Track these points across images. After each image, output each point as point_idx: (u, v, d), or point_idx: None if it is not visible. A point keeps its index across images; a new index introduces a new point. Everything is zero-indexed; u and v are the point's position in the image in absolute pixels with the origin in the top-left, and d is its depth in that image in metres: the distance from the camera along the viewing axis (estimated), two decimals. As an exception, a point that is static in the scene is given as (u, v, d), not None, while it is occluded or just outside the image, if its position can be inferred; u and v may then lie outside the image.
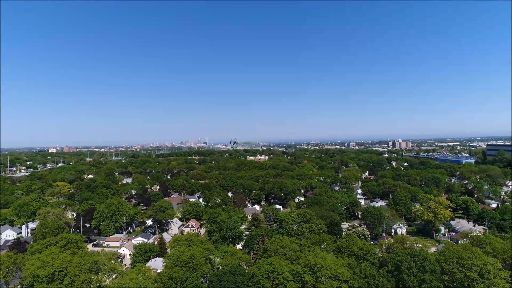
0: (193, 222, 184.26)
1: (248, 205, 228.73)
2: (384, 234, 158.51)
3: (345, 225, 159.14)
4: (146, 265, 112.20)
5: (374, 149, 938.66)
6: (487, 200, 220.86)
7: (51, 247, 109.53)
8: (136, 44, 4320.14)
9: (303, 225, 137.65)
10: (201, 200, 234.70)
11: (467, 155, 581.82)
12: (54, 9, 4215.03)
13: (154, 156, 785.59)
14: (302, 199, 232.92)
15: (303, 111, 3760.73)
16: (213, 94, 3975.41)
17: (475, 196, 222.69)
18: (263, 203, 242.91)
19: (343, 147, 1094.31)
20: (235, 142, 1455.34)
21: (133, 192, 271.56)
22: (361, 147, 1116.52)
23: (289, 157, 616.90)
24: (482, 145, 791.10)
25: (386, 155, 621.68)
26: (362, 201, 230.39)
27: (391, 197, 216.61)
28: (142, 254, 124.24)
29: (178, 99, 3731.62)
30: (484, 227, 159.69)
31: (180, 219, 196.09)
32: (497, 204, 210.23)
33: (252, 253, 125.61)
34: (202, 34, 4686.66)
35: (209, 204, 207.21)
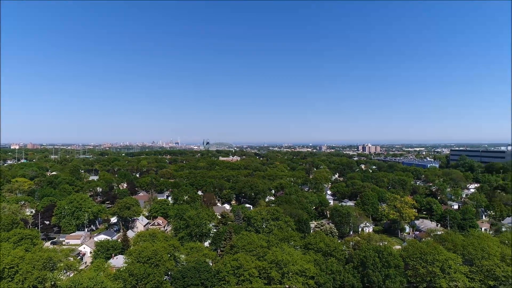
0: (160, 220, 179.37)
1: (218, 204, 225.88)
2: (351, 233, 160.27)
3: (313, 224, 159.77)
4: (108, 262, 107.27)
5: (344, 152, 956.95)
6: (450, 202, 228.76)
7: (2, 243, 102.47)
8: (108, 40, 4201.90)
9: (272, 222, 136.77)
10: (169, 198, 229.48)
11: (432, 159, 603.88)
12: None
13: (123, 154, 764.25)
14: (273, 198, 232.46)
15: (277, 115, 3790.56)
16: (185, 95, 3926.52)
17: (438, 197, 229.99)
18: (233, 202, 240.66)
19: (314, 150, 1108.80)
20: (207, 143, 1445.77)
21: (99, 189, 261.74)
22: (332, 150, 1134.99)
23: (261, 159, 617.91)
24: (446, 151, 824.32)
25: (356, 158, 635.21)
26: (331, 201, 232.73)
27: (359, 197, 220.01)
28: (104, 251, 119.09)
29: (150, 99, 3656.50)
30: (446, 227, 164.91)
31: (147, 217, 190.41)
32: (459, 206, 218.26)
33: (219, 250, 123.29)
34: (176, 32, 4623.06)
35: (178, 202, 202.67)
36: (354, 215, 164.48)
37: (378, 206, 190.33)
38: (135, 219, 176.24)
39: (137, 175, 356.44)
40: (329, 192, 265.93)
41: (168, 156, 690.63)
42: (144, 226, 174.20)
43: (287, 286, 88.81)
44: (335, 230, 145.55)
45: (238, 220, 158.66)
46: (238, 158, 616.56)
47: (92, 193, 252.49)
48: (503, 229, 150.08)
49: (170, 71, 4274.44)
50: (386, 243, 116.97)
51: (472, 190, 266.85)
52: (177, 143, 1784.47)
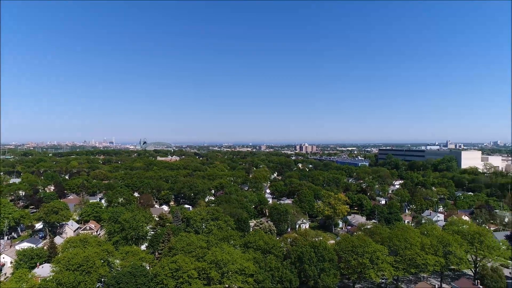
0: (92, 224, 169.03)
1: (156, 205, 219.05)
2: (289, 230, 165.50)
3: (253, 223, 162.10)
4: (32, 272, 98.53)
5: (283, 152, 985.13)
6: (378, 198, 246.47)
7: None
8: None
9: (211, 222, 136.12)
10: (103, 201, 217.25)
11: (363, 158, 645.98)
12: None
13: (50, 155, 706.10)
14: (213, 198, 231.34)
15: (218, 115, 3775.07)
16: (121, 92, 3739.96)
17: (368, 194, 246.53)
18: (171, 203, 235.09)
19: (254, 150, 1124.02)
20: (144, 142, 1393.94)
21: (22, 193, 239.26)
22: (271, 150, 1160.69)
23: (201, 158, 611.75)
24: (375, 150, 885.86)
25: (293, 158, 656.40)
26: (270, 200, 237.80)
27: (296, 195, 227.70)
28: (27, 260, 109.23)
29: (81, 94, 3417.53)
30: (375, 221, 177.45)
31: (78, 222, 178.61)
32: (386, 201, 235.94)
33: (156, 253, 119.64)
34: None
35: (112, 204, 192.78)
36: (291, 212, 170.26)
37: (314, 203, 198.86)
38: (63, 224, 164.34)
39: (67, 177, 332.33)
40: (268, 191, 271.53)
41: (102, 156, 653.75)
42: (74, 231, 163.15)
43: (226, 285, 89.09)
44: (274, 227, 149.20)
45: (176, 221, 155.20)
46: (177, 158, 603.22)
47: (13, 197, 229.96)
48: (423, 221, 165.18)
49: (97, 68, 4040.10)
50: (321, 238, 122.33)
51: (397, 186, 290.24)
52: (112, 142, 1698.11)
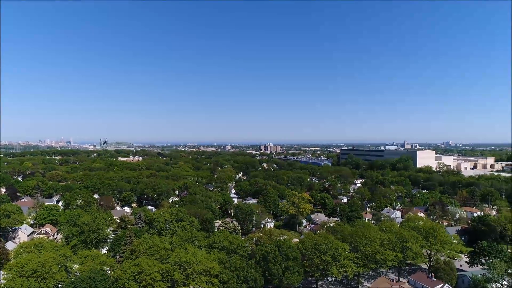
0: (48, 228, 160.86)
1: (117, 207, 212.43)
2: (254, 229, 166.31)
3: (218, 223, 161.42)
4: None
5: (248, 152, 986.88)
6: (340, 196, 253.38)
7: None
8: None
9: (175, 223, 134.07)
10: (60, 203, 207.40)
11: (325, 158, 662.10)
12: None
13: (1, 155, 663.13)
14: (177, 199, 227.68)
15: (182, 115, 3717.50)
16: (79, 90, 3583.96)
17: (331, 192, 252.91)
18: (134, 205, 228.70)
19: (219, 150, 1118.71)
20: (105, 142, 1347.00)
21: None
22: (236, 150, 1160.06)
23: (165, 158, 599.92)
24: (337, 150, 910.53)
25: (258, 158, 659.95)
26: (235, 200, 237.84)
27: (261, 195, 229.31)
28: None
29: (35, 91, 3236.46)
30: (337, 219, 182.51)
31: (32, 226, 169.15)
32: (347, 199, 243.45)
33: (118, 256, 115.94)
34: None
35: (70, 207, 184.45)
36: (256, 212, 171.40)
37: (278, 202, 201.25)
38: (16, 228, 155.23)
39: (20, 179, 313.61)
40: (233, 191, 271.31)
41: (59, 157, 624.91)
42: (29, 235, 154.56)
43: (191, 287, 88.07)
44: (239, 227, 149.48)
45: (139, 223, 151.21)
46: (140, 158, 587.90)
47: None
48: (382, 218, 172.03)
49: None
50: (285, 237, 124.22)
51: (358, 185, 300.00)
52: (69, 142, 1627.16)
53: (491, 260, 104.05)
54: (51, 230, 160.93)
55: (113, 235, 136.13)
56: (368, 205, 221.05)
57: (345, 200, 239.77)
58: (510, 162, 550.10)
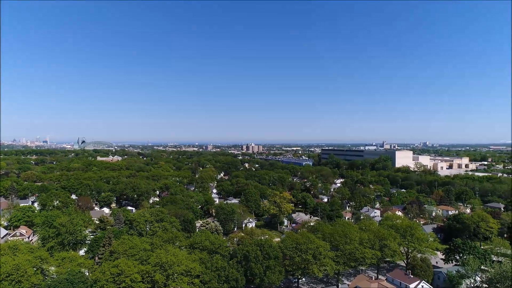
0: (23, 230, 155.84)
1: (96, 208, 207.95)
2: (235, 229, 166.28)
3: (199, 223, 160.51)
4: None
5: (229, 151, 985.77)
6: (321, 196, 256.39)
7: None
8: None
9: (156, 224, 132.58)
10: (36, 204, 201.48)
11: (307, 158, 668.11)
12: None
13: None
14: (157, 199, 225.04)
15: (163, 114, 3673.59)
16: (56, 88, 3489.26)
17: (312, 192, 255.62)
18: (113, 205, 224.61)
19: (201, 150, 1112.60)
20: (83, 142, 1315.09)
21: None
22: (218, 149, 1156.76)
23: (145, 158, 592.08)
24: (318, 150, 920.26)
25: (240, 157, 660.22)
26: (217, 200, 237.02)
27: (243, 194, 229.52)
28: None
29: (7, 89, 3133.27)
30: (318, 218, 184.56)
31: (6, 228, 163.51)
32: (328, 198, 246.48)
33: (96, 258, 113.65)
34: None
35: (46, 208, 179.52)
36: (238, 212, 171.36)
37: (260, 202, 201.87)
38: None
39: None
40: (214, 190, 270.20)
41: (34, 157, 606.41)
42: (3, 238, 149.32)
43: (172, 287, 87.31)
44: (220, 227, 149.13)
45: (118, 224, 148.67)
46: (120, 158, 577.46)
47: None
48: (361, 217, 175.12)
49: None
50: (267, 236, 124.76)
51: (339, 185, 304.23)
52: (46, 141, 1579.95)
53: (465, 257, 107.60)
54: (26, 231, 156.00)
55: (91, 236, 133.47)
56: (348, 204, 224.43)
57: (325, 200, 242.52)
58: (484, 162, 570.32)
